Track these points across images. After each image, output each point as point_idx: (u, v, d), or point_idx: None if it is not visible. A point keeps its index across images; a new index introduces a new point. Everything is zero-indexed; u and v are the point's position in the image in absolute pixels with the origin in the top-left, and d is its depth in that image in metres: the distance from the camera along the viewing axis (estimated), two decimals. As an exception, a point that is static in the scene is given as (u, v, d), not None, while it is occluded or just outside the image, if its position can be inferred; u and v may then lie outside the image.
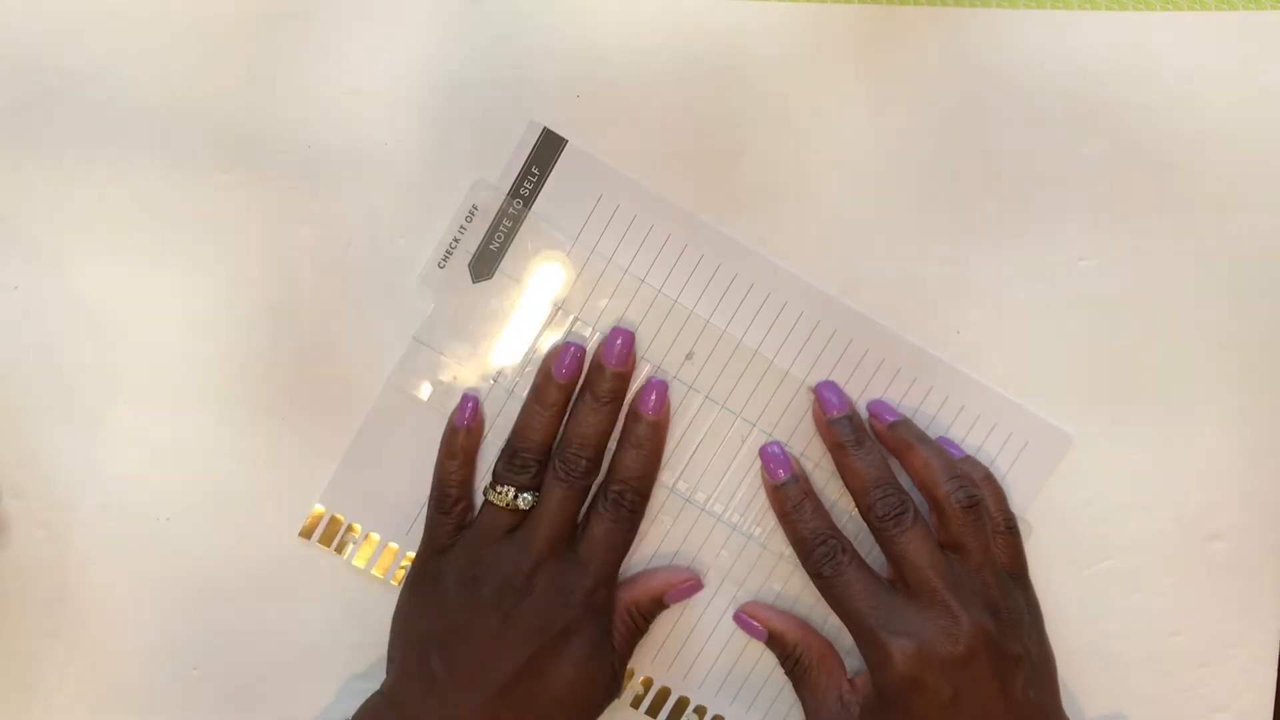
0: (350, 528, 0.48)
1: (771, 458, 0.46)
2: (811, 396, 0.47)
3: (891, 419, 0.46)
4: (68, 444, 0.48)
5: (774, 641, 0.47)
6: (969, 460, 0.47)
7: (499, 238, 0.47)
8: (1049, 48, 0.47)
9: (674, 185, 0.47)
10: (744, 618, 0.47)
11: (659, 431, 0.47)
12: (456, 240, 0.47)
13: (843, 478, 0.45)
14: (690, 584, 0.47)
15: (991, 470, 0.47)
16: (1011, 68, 0.47)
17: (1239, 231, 0.47)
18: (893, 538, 0.43)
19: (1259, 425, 0.48)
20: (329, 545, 0.48)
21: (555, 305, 0.47)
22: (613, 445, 0.47)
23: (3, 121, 0.47)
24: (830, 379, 0.47)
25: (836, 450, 0.45)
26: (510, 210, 0.47)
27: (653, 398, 0.46)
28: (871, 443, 0.45)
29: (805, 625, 0.47)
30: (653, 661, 0.48)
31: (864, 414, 0.47)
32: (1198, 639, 0.48)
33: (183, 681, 0.48)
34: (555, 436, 0.46)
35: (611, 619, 0.46)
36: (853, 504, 0.45)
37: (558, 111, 0.47)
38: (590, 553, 0.45)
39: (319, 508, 0.48)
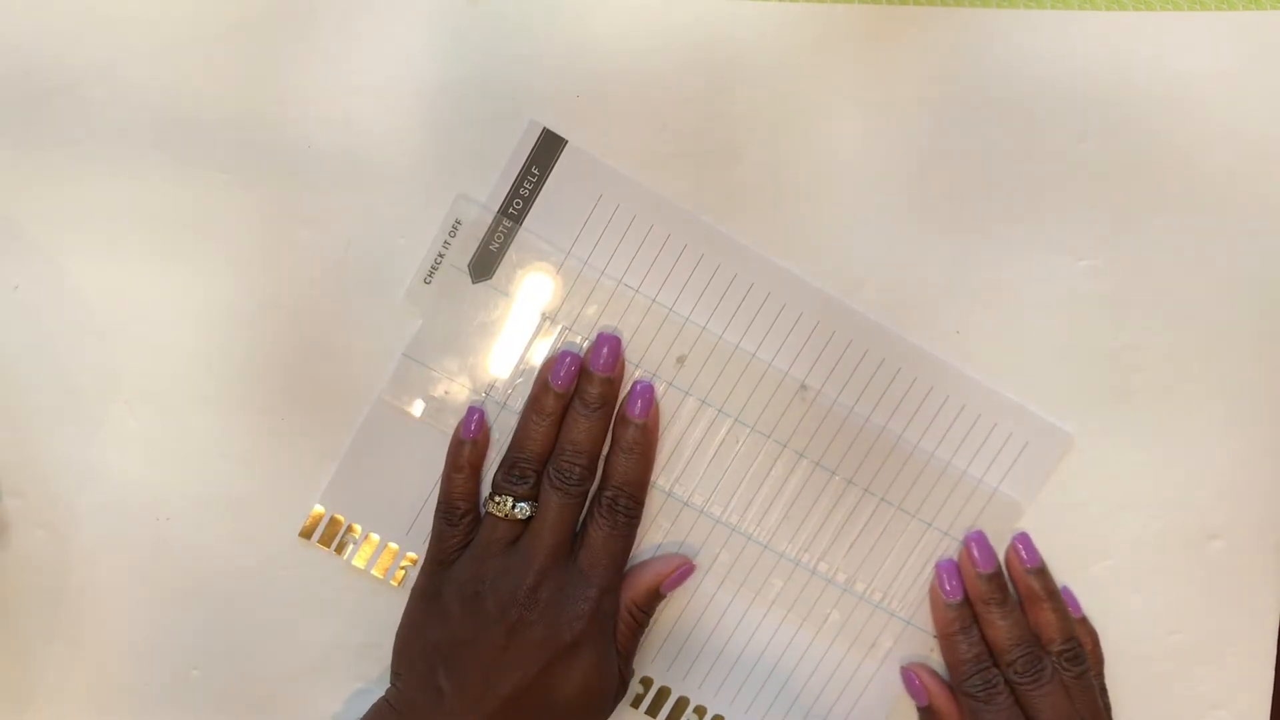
0: (350, 528, 0.48)
1: (948, 574, 0.47)
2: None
3: (1032, 564, 0.47)
4: (68, 444, 0.48)
5: (929, 713, 0.47)
6: (1084, 623, 0.48)
7: (499, 237, 0.47)
8: (1049, 48, 0.47)
9: (674, 185, 0.47)
10: (911, 677, 0.48)
11: (648, 435, 0.47)
12: (441, 255, 0.47)
13: (984, 630, 0.46)
14: (683, 570, 0.47)
15: (993, 468, 0.47)
16: (1011, 68, 0.47)
17: (1239, 231, 0.47)
18: (1030, 692, 0.45)
19: (1258, 425, 0.48)
20: (329, 545, 0.48)
21: (545, 316, 0.47)
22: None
23: (3, 121, 0.47)
24: (981, 530, 0.47)
25: (981, 605, 0.46)
26: (501, 227, 0.47)
27: (639, 401, 0.46)
28: (1013, 600, 0.47)
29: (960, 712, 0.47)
30: (653, 661, 0.48)
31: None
32: (1196, 638, 0.48)
33: (183, 682, 0.48)
34: (553, 446, 0.46)
35: (616, 623, 0.46)
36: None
37: (557, 111, 0.47)
38: (591, 561, 0.45)
39: (319, 508, 0.48)
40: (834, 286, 0.47)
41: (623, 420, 0.47)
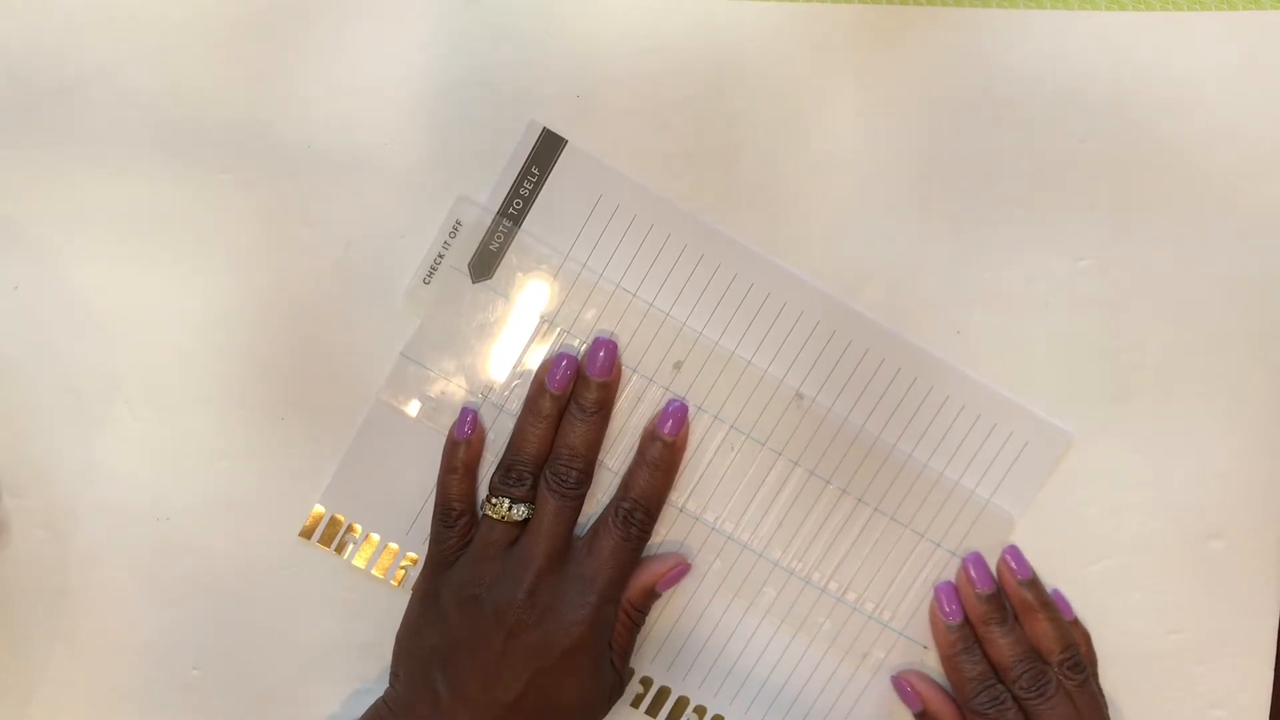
0: (350, 528, 0.48)
1: (947, 596, 0.47)
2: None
3: (1024, 576, 0.47)
4: (68, 444, 0.48)
5: (924, 717, 0.47)
6: (1076, 625, 0.48)
7: (499, 237, 0.47)
8: (1049, 48, 0.47)
9: (674, 185, 0.47)
10: (903, 684, 0.48)
11: (675, 454, 0.47)
12: (441, 256, 0.47)
13: (986, 649, 0.46)
14: (679, 569, 0.47)
15: (991, 472, 0.47)
16: (1011, 68, 0.47)
17: (1239, 231, 0.47)
18: (1037, 707, 0.45)
19: (1258, 425, 0.48)
20: (329, 545, 0.48)
21: (543, 318, 0.47)
22: (603, 457, 0.47)
23: (3, 121, 0.47)
24: (977, 552, 0.47)
25: (982, 625, 0.46)
26: (501, 227, 0.47)
27: (670, 421, 0.46)
28: (1014, 618, 0.47)
29: (958, 711, 0.47)
30: (652, 661, 0.48)
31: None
32: (1196, 637, 0.48)
33: (183, 682, 0.48)
34: (550, 448, 0.46)
35: (614, 628, 0.46)
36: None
37: (557, 111, 0.47)
38: (596, 569, 0.45)
39: (319, 508, 0.48)
40: (834, 287, 0.47)
41: (651, 435, 0.47)
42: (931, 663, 0.48)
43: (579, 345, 0.47)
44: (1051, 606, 0.47)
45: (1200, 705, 0.48)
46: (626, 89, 0.47)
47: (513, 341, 0.47)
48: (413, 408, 0.48)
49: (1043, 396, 0.48)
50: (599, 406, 0.46)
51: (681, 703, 0.49)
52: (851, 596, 0.48)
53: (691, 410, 0.47)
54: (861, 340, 0.47)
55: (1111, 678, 0.48)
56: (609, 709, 0.46)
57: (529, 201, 0.47)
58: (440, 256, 0.47)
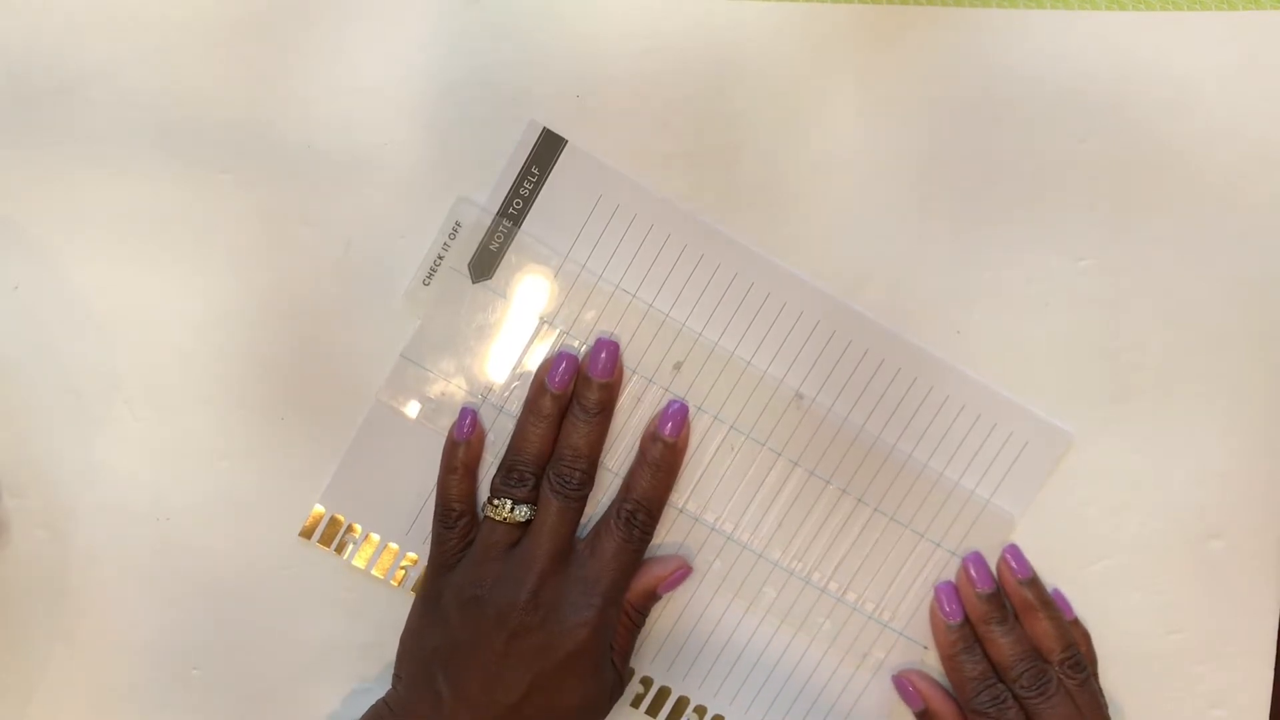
0: (350, 528, 0.48)
1: (947, 596, 0.47)
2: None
3: (1023, 576, 0.47)
4: (68, 444, 0.48)
5: (925, 716, 0.47)
6: (1076, 624, 0.48)
7: (499, 238, 0.47)
8: (1049, 48, 0.47)
9: (674, 185, 0.47)
10: (904, 683, 0.48)
11: (676, 454, 0.47)
12: (441, 258, 0.47)
13: (986, 648, 0.46)
14: (681, 571, 0.47)
15: (990, 472, 0.47)
16: (1011, 68, 0.47)
17: (1239, 231, 0.47)
18: (1038, 706, 0.45)
19: (1258, 425, 0.48)
20: (329, 545, 0.48)
21: (543, 319, 0.47)
22: (603, 458, 0.47)
23: (3, 121, 0.47)
24: (978, 552, 0.47)
25: (982, 624, 0.46)
26: (501, 227, 0.47)
27: (670, 422, 0.46)
28: (1014, 618, 0.46)
29: (959, 710, 0.47)
30: (652, 661, 0.48)
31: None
32: (1196, 637, 0.48)
33: (183, 682, 0.48)
34: (551, 448, 0.46)
35: (616, 630, 0.46)
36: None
37: (557, 111, 0.47)
38: (599, 571, 0.45)
39: (319, 508, 0.48)
40: (834, 287, 0.47)
41: (652, 437, 0.47)
42: (932, 662, 0.48)
43: (579, 346, 0.47)
44: (1052, 606, 0.47)
45: (1200, 705, 0.48)
46: (626, 89, 0.47)
47: (512, 342, 0.47)
48: (412, 409, 0.48)
49: (1043, 396, 0.48)
50: (601, 407, 0.46)
51: (681, 703, 0.49)
52: (851, 596, 0.48)
53: (692, 411, 0.47)
54: (861, 340, 0.47)
55: (1111, 678, 0.48)
56: (610, 709, 0.46)
57: (529, 202, 0.47)
58: (440, 257, 0.47)
